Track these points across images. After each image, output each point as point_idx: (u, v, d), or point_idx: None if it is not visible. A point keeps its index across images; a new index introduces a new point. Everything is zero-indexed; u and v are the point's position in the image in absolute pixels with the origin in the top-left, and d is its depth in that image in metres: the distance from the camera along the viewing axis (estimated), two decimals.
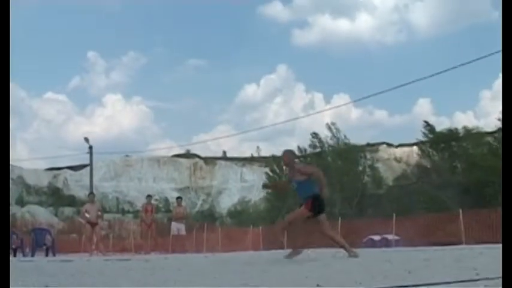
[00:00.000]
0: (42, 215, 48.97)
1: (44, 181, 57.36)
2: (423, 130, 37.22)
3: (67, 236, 31.02)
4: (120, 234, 39.30)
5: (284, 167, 12.30)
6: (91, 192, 18.47)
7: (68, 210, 52.09)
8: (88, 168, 47.10)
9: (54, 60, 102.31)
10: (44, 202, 53.25)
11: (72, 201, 54.49)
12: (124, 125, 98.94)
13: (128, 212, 57.26)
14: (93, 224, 14.89)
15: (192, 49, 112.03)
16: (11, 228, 17.71)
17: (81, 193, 54.83)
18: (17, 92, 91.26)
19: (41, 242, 17.31)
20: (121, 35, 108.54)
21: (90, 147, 38.26)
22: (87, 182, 46.70)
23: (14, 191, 54.46)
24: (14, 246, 16.48)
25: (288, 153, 7.92)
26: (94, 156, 39.38)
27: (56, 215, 50.77)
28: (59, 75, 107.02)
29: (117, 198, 59.77)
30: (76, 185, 56.77)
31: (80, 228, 19.19)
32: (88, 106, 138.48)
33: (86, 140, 38.30)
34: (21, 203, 52.67)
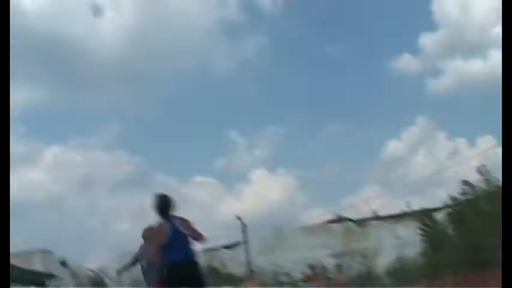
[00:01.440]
0: None
1: (201, 262, 59.27)
2: None
3: None
4: None
5: None
6: (251, 270, 18.63)
7: None
8: (243, 244, 47.95)
9: (197, 143, 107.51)
10: None
11: (229, 279, 55.50)
12: (272, 197, 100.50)
13: (286, 283, 57.32)
14: None
15: (328, 113, 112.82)
16: None
17: (238, 270, 55.72)
18: (166, 179, 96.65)
19: None
20: (257, 110, 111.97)
21: (243, 224, 38.87)
22: (243, 259, 47.47)
23: None
24: None
25: None
26: (247, 232, 39.92)
27: None
28: (204, 158, 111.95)
29: (274, 271, 60.12)
30: (232, 263, 57.95)
31: None
32: (235, 184, 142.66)
33: (238, 218, 39.00)
34: None
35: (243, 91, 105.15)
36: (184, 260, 6.65)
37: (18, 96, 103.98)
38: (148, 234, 7.32)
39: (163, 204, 7.07)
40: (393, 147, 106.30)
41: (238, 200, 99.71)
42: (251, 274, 16.42)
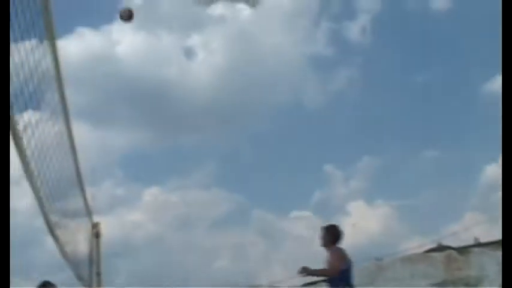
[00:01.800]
0: None
1: None
2: None
3: None
4: None
5: None
6: None
7: None
8: None
9: (293, 178, 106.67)
10: None
11: None
12: (371, 229, 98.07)
13: None
14: None
15: (423, 140, 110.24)
16: None
17: None
18: (264, 215, 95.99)
19: None
20: (352, 142, 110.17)
21: None
22: None
23: None
24: None
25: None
26: None
27: None
28: (301, 193, 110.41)
29: None
30: None
31: None
32: (333, 217, 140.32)
33: None
34: None
35: (336, 124, 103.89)
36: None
37: (117, 141, 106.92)
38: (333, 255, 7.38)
39: (338, 233, 7.35)
40: (491, 171, 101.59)
41: None
42: None
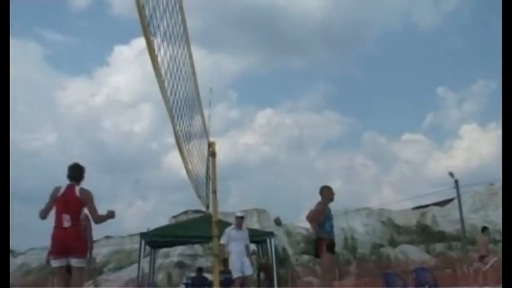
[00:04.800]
0: (415, 253, 49.28)
1: (412, 220, 58.18)
2: None
3: (441, 272, 30.50)
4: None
5: None
6: (485, 227, 18.20)
7: (438, 247, 51.51)
8: (454, 202, 46.00)
9: (405, 101, 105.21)
10: (414, 240, 53.72)
11: (442, 237, 53.87)
12: (483, 153, 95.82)
13: (499, 241, 54.34)
14: (483, 257, 15.88)
15: None
16: (391, 270, 18.17)
17: (450, 228, 53.93)
18: (376, 138, 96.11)
19: (424, 280, 17.03)
20: (465, 65, 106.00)
21: (456, 181, 37.65)
22: (455, 216, 45.64)
23: (385, 233, 56.40)
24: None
25: None
26: (458, 188, 38.51)
27: (427, 252, 50.57)
28: (413, 116, 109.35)
29: (487, 228, 57.01)
30: (444, 220, 56.19)
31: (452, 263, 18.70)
32: (445, 141, 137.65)
33: (451, 174, 37.94)
34: (393, 243, 54.03)
35: (449, 45, 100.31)
36: None
37: (230, 64, 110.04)
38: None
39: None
40: None
41: (449, 156, 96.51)
42: (485, 230, 15.98)
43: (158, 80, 3.51)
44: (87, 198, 7.08)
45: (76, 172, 7.26)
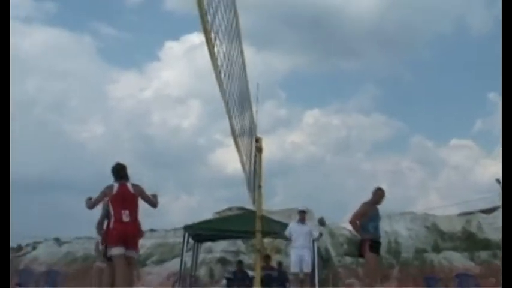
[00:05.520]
0: (458, 260, 48.36)
1: (457, 226, 57.07)
2: None
3: (485, 280, 29.91)
4: None
5: None
6: None
7: (483, 255, 50.37)
8: (500, 209, 44.90)
9: (455, 106, 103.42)
10: (458, 247, 52.69)
11: (487, 244, 52.69)
12: None
13: None
14: None
15: None
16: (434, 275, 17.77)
17: (495, 236, 52.73)
18: (424, 142, 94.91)
19: (466, 287, 16.77)
20: None
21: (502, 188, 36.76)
22: (501, 224, 44.52)
23: (429, 238, 55.46)
24: None
25: None
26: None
27: (471, 259, 49.54)
28: (462, 121, 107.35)
29: None
30: (490, 228, 54.91)
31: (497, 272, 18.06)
32: (494, 147, 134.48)
33: (498, 181, 37.16)
34: (437, 249, 53.16)
35: (500, 51, 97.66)
36: None
37: (279, 63, 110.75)
38: None
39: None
40: None
41: (497, 163, 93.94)
42: None
43: (216, 74, 3.63)
44: (140, 191, 7.76)
45: (124, 171, 7.86)
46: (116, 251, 7.47)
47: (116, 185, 7.74)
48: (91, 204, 7.69)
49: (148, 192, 7.85)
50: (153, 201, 7.86)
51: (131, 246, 7.54)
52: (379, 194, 9.01)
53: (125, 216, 7.48)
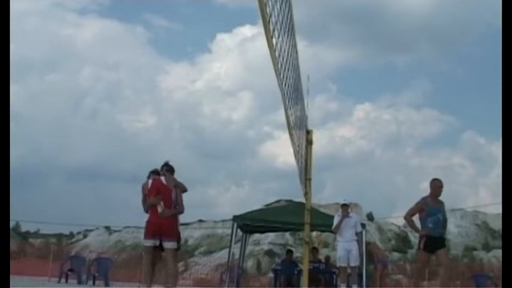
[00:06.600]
0: None
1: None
2: None
3: None
4: None
5: None
6: None
7: None
8: None
9: None
10: None
11: None
12: None
13: None
14: None
15: None
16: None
17: None
18: (476, 139, 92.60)
19: None
20: None
21: None
22: None
23: (479, 236, 54.56)
24: None
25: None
26: None
27: None
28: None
29: None
30: None
31: None
32: None
33: None
34: (487, 247, 52.19)
35: None
36: None
37: (331, 57, 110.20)
38: None
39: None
40: None
41: None
42: None
43: (274, 66, 3.71)
44: (172, 180, 8.06)
45: (171, 167, 8.21)
46: (148, 243, 7.90)
47: (149, 180, 8.26)
48: (145, 206, 8.17)
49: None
50: (183, 187, 8.12)
51: (168, 237, 7.82)
52: (434, 185, 8.76)
53: (160, 208, 7.80)
